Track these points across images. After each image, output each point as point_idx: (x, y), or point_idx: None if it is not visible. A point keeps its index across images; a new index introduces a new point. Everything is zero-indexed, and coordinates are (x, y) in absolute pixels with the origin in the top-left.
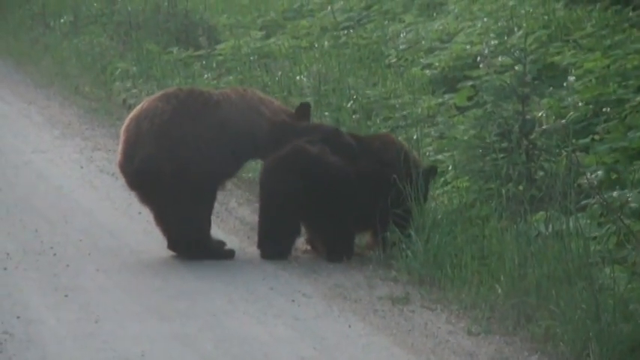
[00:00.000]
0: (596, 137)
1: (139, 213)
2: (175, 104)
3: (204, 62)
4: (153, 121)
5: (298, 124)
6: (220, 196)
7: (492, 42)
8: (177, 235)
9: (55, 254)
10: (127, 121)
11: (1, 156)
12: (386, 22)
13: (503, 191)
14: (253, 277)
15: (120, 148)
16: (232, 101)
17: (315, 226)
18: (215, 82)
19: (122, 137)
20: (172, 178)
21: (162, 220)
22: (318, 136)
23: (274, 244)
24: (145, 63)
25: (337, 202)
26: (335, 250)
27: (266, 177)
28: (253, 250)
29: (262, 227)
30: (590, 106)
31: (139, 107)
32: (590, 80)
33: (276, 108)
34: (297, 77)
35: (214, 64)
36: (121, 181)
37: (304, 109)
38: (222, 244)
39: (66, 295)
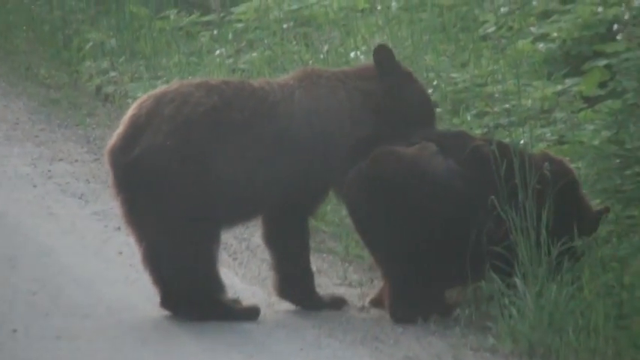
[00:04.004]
0: None
1: (120, 253)
2: (217, 102)
3: (215, 32)
4: (181, 108)
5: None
6: (238, 228)
7: (636, 2)
8: (176, 283)
9: None
10: (142, 97)
11: None
12: None
13: None
14: (287, 347)
15: (119, 130)
16: (295, 99)
17: (382, 261)
18: (231, 59)
19: (127, 116)
20: (179, 186)
21: (154, 256)
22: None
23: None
24: (129, 33)
25: (427, 226)
26: (406, 303)
27: (348, 202)
28: (287, 307)
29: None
30: None
31: (164, 87)
32: None
33: (351, 89)
34: (352, 54)
35: (230, 35)
36: (98, 187)
37: (383, 54)
38: (237, 302)
39: None
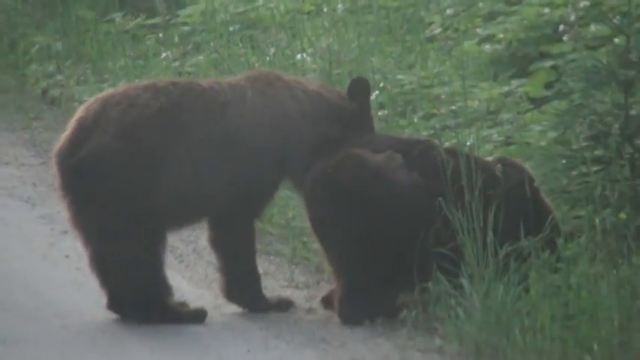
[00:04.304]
0: None
1: (66, 257)
2: (164, 103)
3: (161, 35)
4: (127, 110)
5: (358, 135)
6: (185, 230)
7: (582, 3)
8: (122, 286)
9: None
10: (89, 100)
11: None
12: None
13: (598, 221)
14: (234, 349)
15: (66, 132)
16: (247, 99)
17: (336, 261)
18: (177, 62)
19: (75, 118)
20: (125, 188)
21: (101, 260)
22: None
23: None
24: (75, 36)
25: (385, 233)
26: (355, 304)
27: (308, 201)
28: (235, 310)
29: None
30: None
31: (111, 90)
32: None
33: (312, 93)
34: (298, 56)
35: (176, 38)
36: (43, 196)
37: (360, 87)
38: (184, 305)
39: None
